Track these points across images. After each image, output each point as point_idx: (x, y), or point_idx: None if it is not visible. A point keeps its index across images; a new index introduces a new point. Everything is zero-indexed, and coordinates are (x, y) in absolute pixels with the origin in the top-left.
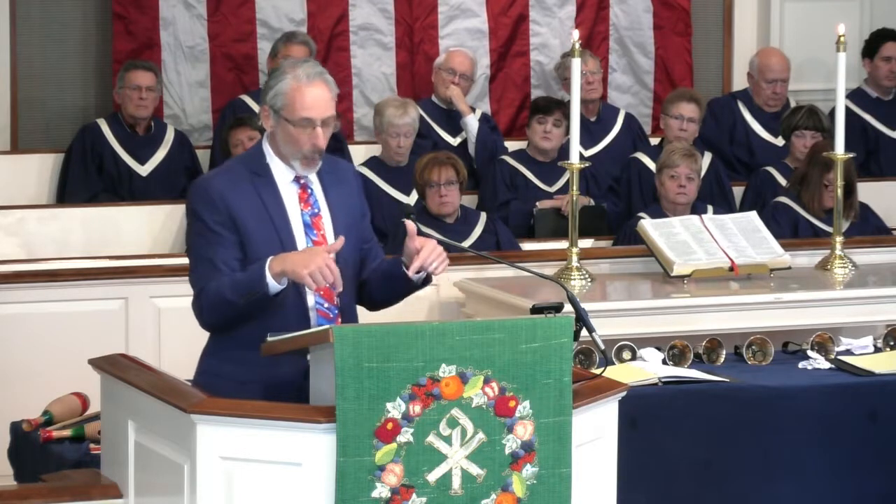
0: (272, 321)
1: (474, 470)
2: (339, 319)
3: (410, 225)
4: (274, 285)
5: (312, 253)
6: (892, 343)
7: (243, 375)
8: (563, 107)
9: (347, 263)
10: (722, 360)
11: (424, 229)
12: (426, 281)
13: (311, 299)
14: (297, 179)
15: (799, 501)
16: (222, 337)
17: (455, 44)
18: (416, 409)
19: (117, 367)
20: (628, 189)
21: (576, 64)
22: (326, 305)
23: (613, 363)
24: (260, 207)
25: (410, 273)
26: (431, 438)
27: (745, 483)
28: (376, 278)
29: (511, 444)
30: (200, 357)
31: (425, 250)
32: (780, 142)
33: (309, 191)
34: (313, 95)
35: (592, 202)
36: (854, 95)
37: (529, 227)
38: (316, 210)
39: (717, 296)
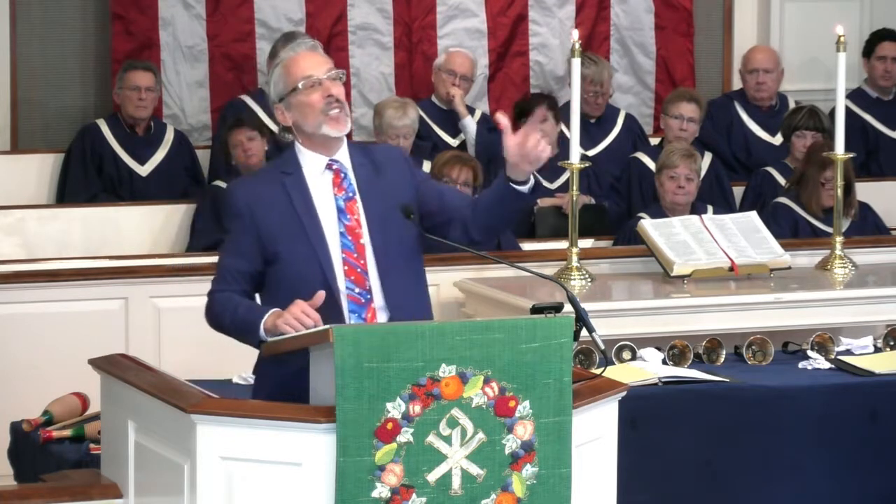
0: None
1: (474, 470)
2: (372, 304)
3: (503, 120)
4: (264, 336)
5: (291, 307)
6: (892, 343)
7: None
8: (549, 100)
9: (390, 251)
10: (722, 360)
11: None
12: (534, 191)
13: (341, 284)
14: (329, 166)
15: (799, 501)
16: None
17: (454, 44)
18: (416, 408)
19: (117, 367)
20: (628, 189)
21: (576, 64)
22: (358, 290)
23: (613, 363)
24: (286, 204)
25: (511, 172)
26: (431, 438)
27: (745, 483)
28: (483, 208)
29: (511, 444)
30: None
31: (531, 139)
32: (776, 140)
33: (342, 174)
34: (306, 59)
35: (593, 201)
36: (854, 95)
37: (530, 225)
38: (350, 194)
39: (717, 296)
